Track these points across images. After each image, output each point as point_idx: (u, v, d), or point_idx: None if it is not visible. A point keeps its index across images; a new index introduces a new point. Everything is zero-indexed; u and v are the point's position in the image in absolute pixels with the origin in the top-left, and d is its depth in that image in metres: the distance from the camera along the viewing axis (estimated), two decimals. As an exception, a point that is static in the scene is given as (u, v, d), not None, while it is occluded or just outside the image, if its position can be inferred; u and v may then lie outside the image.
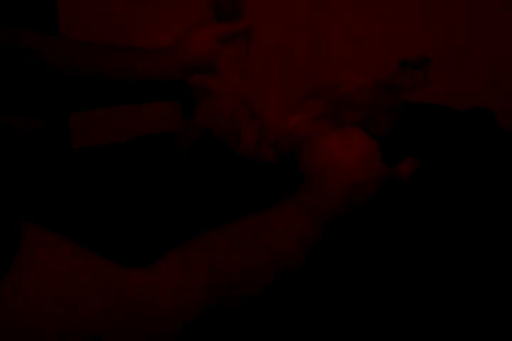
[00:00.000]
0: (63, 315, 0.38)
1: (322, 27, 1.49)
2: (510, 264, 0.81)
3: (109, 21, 1.43)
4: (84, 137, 1.48)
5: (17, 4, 1.35)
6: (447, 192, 0.95)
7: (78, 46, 0.78)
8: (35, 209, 0.50)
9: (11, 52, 0.70)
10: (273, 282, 0.57)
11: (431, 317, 0.74)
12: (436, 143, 1.06)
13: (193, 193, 0.83)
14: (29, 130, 0.99)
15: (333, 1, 1.47)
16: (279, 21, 1.45)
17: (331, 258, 0.77)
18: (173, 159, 0.78)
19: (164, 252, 0.52)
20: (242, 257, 0.55)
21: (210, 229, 0.57)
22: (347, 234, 0.83)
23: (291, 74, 1.48)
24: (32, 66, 0.72)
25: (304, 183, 0.70)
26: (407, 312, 0.75)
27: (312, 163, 0.72)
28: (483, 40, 1.44)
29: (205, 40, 0.75)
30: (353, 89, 0.91)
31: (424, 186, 0.95)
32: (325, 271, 0.76)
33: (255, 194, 0.80)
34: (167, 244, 0.53)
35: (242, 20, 0.79)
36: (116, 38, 1.37)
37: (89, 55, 0.76)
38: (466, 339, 0.72)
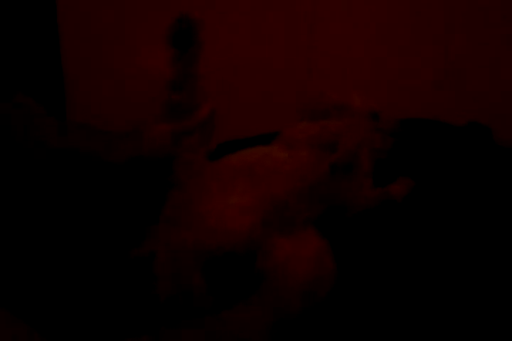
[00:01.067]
0: None
1: (320, 49, 1.50)
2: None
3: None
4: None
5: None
6: (444, 208, 0.97)
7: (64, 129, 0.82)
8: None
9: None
10: None
11: (429, 316, 0.77)
12: (432, 160, 1.07)
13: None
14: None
15: (332, 23, 1.48)
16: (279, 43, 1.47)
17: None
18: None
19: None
20: None
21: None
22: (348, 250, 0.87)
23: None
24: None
25: (262, 285, 0.74)
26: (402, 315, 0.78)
27: (267, 265, 0.75)
28: (476, 58, 1.45)
29: (159, 136, 0.78)
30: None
31: (420, 204, 0.97)
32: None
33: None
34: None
35: (196, 117, 0.81)
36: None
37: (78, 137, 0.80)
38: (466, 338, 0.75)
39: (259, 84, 1.49)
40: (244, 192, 0.79)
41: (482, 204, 0.98)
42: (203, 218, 0.74)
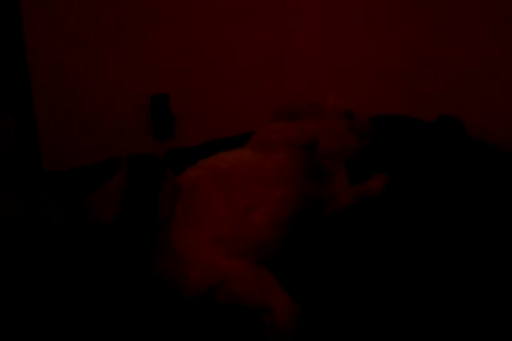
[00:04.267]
0: None
1: (292, 50, 1.51)
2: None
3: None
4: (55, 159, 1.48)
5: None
6: (420, 200, 0.97)
7: None
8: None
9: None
10: None
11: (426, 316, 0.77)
12: (406, 154, 1.08)
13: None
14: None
15: (303, 23, 1.49)
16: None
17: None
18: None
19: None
20: None
21: None
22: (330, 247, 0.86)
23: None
24: None
25: None
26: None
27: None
28: (446, 52, 1.47)
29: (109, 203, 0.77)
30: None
31: (397, 199, 0.97)
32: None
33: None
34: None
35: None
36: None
37: None
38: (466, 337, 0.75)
39: (231, 84, 1.50)
40: (214, 219, 0.77)
41: (455, 192, 0.99)
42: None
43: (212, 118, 1.47)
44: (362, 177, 1.00)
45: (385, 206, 0.96)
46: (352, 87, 1.44)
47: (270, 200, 0.81)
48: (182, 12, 1.44)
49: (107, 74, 1.44)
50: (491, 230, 0.89)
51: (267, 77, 1.51)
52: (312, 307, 0.74)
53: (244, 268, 0.72)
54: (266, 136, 0.92)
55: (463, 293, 0.77)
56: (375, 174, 1.01)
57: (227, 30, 1.48)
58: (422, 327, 0.73)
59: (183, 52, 1.47)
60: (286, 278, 0.75)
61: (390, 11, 1.47)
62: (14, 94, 1.40)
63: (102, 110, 1.47)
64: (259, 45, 1.49)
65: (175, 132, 1.53)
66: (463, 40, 1.43)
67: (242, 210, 0.78)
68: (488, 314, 0.74)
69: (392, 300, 0.77)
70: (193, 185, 0.80)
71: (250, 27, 1.48)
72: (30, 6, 1.34)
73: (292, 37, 1.50)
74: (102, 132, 1.48)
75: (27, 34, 1.37)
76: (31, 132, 1.43)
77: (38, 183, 0.97)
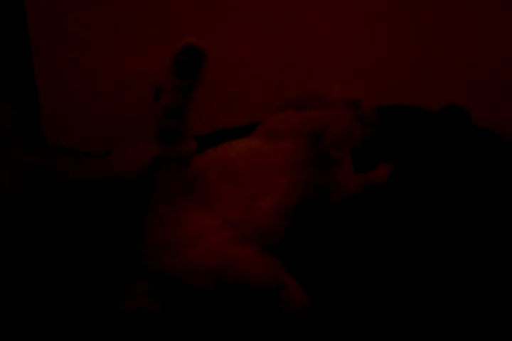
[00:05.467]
0: None
1: (296, 42, 1.50)
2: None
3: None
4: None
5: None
6: (426, 189, 0.97)
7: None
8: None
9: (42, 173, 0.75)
10: None
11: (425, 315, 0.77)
12: (412, 144, 1.08)
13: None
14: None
15: (309, 17, 1.49)
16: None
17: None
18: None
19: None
20: None
21: None
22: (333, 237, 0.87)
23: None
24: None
25: None
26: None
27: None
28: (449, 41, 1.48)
29: (139, 157, 0.77)
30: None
31: (403, 187, 0.97)
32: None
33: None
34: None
35: (186, 145, 0.78)
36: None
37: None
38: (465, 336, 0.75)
39: (235, 75, 1.49)
40: (223, 202, 0.78)
41: (462, 182, 0.99)
42: (173, 246, 0.73)
43: (216, 108, 1.47)
44: (368, 166, 1.00)
45: (391, 195, 0.96)
46: (357, 78, 1.45)
47: (277, 188, 0.81)
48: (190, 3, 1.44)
49: (112, 65, 1.44)
50: (498, 222, 0.90)
51: (271, 69, 1.52)
52: (317, 298, 0.74)
53: (253, 252, 0.73)
54: (272, 125, 0.92)
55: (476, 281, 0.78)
56: (381, 163, 1.02)
57: (230, 22, 1.47)
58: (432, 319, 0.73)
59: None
60: (290, 269, 0.75)
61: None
62: (19, 89, 1.40)
63: (105, 101, 1.47)
64: (261, 37, 1.49)
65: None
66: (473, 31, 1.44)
67: (249, 197, 0.79)
68: (489, 309, 0.75)
69: (400, 292, 0.78)
70: (200, 173, 0.81)
71: (253, 18, 1.48)
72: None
73: (296, 29, 1.50)
74: (106, 123, 1.47)
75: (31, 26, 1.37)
76: (36, 126, 1.44)
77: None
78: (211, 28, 1.46)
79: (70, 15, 1.39)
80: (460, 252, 0.84)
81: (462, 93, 1.41)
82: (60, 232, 0.80)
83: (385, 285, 0.79)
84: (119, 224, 0.78)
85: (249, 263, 0.71)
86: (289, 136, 0.89)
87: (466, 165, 1.03)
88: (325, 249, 0.85)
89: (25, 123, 1.11)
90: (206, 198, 0.78)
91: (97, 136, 1.48)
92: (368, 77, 1.48)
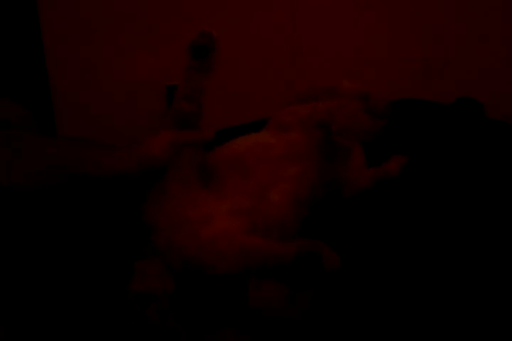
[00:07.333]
0: None
1: (304, 38, 1.50)
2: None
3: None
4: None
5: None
6: (439, 183, 0.96)
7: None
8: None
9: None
10: None
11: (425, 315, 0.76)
12: (424, 136, 1.07)
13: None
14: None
15: (317, 12, 1.49)
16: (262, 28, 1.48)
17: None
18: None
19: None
20: None
21: None
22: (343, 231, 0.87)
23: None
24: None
25: None
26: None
27: None
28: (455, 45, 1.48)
29: (160, 143, 0.79)
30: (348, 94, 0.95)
31: (415, 179, 0.97)
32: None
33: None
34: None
35: (203, 133, 0.82)
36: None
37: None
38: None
39: (245, 73, 1.50)
40: (233, 192, 0.79)
41: (474, 173, 0.98)
42: (190, 224, 0.74)
43: (227, 106, 1.47)
44: (380, 160, 0.99)
45: (404, 188, 0.95)
46: (366, 71, 1.44)
47: (286, 177, 0.81)
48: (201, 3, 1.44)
49: (123, 65, 1.45)
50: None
51: (280, 65, 1.52)
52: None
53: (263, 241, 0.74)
54: (281, 117, 0.92)
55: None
56: (393, 155, 1.01)
57: (238, 19, 1.47)
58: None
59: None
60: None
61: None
62: (32, 89, 1.42)
63: (118, 100, 1.48)
64: (270, 34, 1.49)
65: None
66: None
67: (259, 188, 0.79)
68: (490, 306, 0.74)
69: (413, 288, 0.77)
70: (211, 168, 0.82)
71: (261, 14, 1.48)
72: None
73: (304, 24, 1.50)
74: (119, 122, 1.49)
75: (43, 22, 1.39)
76: (50, 126, 1.45)
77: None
78: (221, 27, 1.46)
79: (82, 15, 1.41)
80: (474, 246, 0.83)
81: (476, 85, 1.39)
82: (75, 214, 0.82)
83: (396, 283, 0.78)
84: (134, 207, 0.80)
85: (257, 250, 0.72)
86: (297, 128, 0.89)
87: (480, 157, 1.01)
88: (339, 242, 0.85)
89: (39, 122, 1.13)
90: (218, 189, 0.79)
91: (110, 135, 1.50)
92: (378, 70, 1.47)
